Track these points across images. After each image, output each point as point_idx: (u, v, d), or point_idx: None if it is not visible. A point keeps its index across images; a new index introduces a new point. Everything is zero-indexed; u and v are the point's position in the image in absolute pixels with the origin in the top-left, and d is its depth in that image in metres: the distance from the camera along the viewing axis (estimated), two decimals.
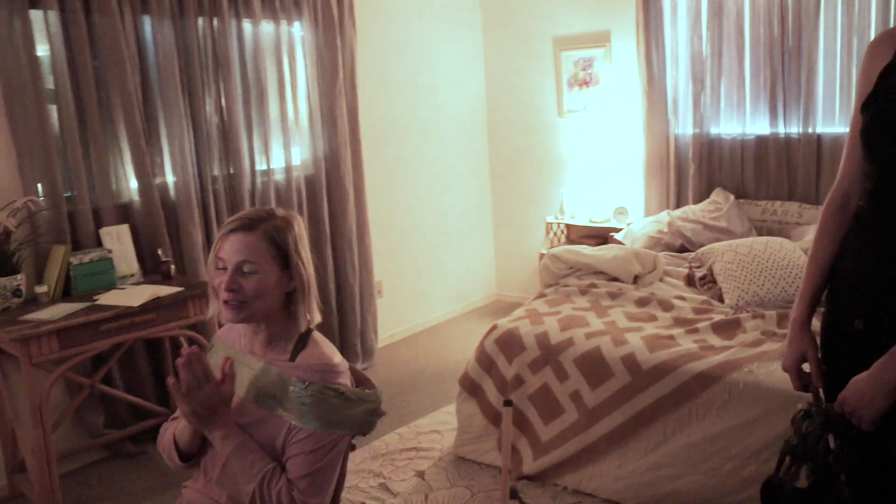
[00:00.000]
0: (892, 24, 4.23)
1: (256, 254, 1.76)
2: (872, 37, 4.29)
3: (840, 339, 1.77)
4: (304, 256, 1.84)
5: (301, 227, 1.87)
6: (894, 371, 1.55)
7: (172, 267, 3.82)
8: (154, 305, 3.42)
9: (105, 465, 3.85)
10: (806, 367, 1.84)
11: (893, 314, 1.64)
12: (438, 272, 5.89)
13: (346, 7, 4.73)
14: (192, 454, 1.85)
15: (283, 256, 1.79)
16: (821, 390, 1.79)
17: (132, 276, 3.77)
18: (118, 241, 3.74)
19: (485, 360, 3.57)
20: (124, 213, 3.86)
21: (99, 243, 3.70)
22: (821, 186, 4.58)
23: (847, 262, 1.78)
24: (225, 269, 1.77)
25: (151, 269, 3.90)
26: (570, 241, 5.56)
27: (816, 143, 4.58)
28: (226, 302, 1.75)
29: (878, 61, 1.73)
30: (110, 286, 3.61)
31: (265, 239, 1.78)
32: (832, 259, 1.83)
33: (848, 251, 1.79)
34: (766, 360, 2.97)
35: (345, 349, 4.88)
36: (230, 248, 1.77)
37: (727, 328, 3.37)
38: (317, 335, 1.88)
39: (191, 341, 3.74)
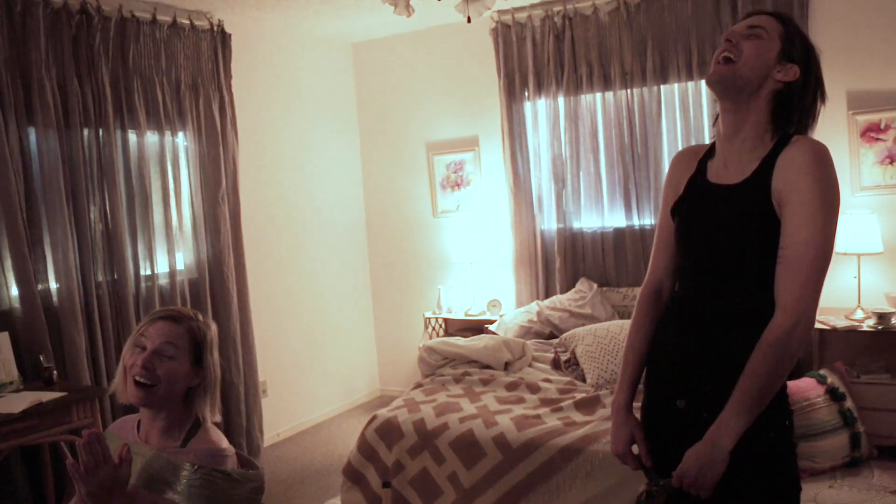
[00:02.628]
0: None
1: (178, 341, 1.96)
2: (707, 138, 4.85)
3: (662, 417, 1.90)
4: (215, 359, 2.06)
5: (215, 334, 2.10)
6: (726, 438, 1.65)
7: (55, 373, 3.82)
8: (36, 411, 3.40)
9: None
10: (635, 448, 1.94)
11: (711, 389, 1.76)
12: (322, 370, 5.97)
13: (228, 118, 4.93)
14: None
15: (198, 354, 2.00)
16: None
17: (11, 383, 3.73)
18: None
19: (366, 449, 3.72)
20: (4, 320, 3.85)
21: None
22: None
23: (666, 340, 1.91)
24: (144, 349, 1.93)
25: (32, 377, 3.88)
26: (448, 334, 5.73)
27: None
28: (136, 381, 1.90)
29: (682, 173, 1.95)
30: None
31: (187, 333, 1.99)
32: (648, 346, 1.97)
33: (665, 332, 1.92)
34: None
35: None
36: (155, 332, 1.95)
37: (588, 405, 3.66)
38: (208, 424, 2.06)
39: (72, 447, 3.71)
